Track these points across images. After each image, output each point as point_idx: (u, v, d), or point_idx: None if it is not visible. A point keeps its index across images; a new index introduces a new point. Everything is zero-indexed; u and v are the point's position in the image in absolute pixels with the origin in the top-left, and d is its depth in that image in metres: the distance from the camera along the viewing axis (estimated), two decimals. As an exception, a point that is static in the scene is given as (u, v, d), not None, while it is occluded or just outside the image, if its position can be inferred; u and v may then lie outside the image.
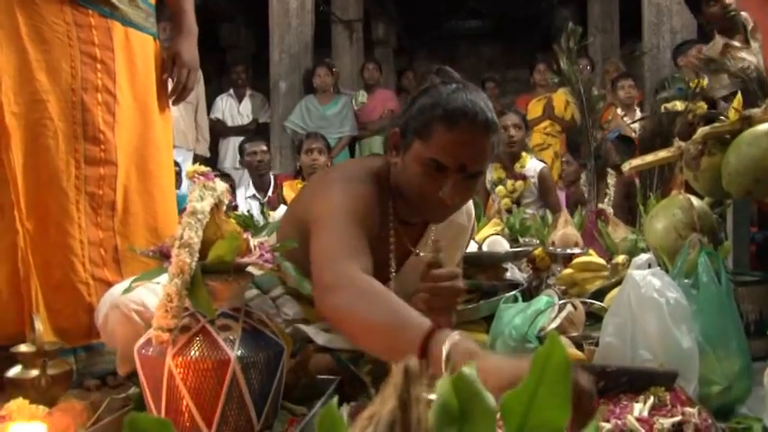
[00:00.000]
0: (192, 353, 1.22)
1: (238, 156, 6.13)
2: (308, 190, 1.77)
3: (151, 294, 1.49)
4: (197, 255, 1.22)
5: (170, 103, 2.21)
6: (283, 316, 1.81)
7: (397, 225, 1.70)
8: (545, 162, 5.06)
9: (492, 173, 4.81)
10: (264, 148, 5.85)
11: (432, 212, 1.63)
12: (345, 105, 6.96)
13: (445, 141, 1.49)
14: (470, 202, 1.91)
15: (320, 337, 1.69)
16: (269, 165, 5.96)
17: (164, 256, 1.28)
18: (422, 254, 1.72)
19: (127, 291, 1.39)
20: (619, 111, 5.79)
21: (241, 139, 6.37)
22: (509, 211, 4.41)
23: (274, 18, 7.44)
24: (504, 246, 2.52)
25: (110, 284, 1.77)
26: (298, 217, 1.66)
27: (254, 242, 1.34)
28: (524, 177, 4.65)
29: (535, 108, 6.58)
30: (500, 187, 4.70)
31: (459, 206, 1.64)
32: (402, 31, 10.48)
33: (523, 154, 4.74)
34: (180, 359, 1.21)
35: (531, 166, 4.71)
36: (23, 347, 1.57)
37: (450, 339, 1.09)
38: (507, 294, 2.10)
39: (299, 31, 7.41)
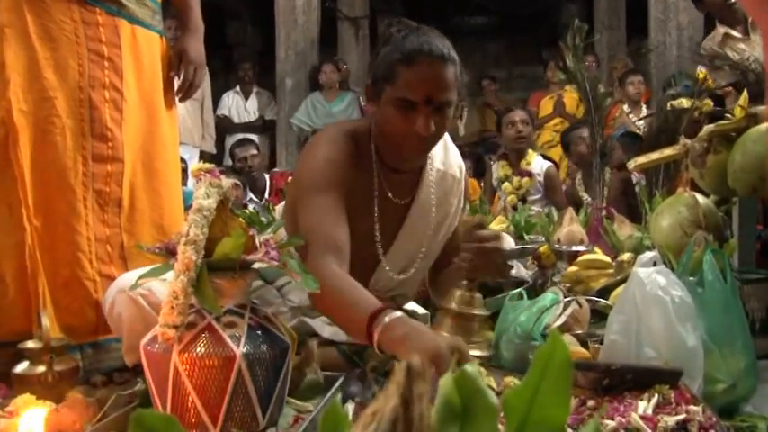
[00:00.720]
0: (198, 349, 1.22)
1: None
2: (300, 157, 1.87)
3: (157, 279, 1.51)
4: (203, 252, 1.23)
5: (177, 100, 2.21)
6: (289, 303, 1.83)
7: (385, 175, 1.78)
8: (553, 160, 5.05)
9: (498, 170, 4.81)
10: (254, 152, 5.87)
11: (412, 148, 1.70)
12: (351, 102, 6.97)
13: (408, 79, 1.61)
14: (461, 158, 1.99)
15: (325, 331, 1.70)
16: (261, 167, 5.96)
17: (170, 253, 1.29)
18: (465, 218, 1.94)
19: (134, 287, 1.40)
20: (625, 107, 5.78)
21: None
22: (514, 207, 4.41)
23: (281, 15, 7.45)
24: (509, 243, 2.51)
25: (116, 281, 1.78)
26: (293, 192, 1.81)
27: (259, 239, 1.35)
28: (530, 174, 4.64)
29: (546, 105, 6.59)
30: (506, 184, 4.69)
31: (435, 139, 1.72)
32: (408, 27, 10.44)
33: (529, 151, 4.74)
34: (186, 356, 1.22)
35: (537, 163, 4.70)
36: (31, 344, 1.58)
37: (389, 317, 1.30)
38: (512, 291, 2.11)
39: (306, 29, 7.42)
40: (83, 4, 1.89)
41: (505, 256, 2.43)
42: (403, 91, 1.61)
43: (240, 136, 6.61)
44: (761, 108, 2.02)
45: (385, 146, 1.74)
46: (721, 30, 3.86)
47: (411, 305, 1.99)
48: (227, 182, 1.34)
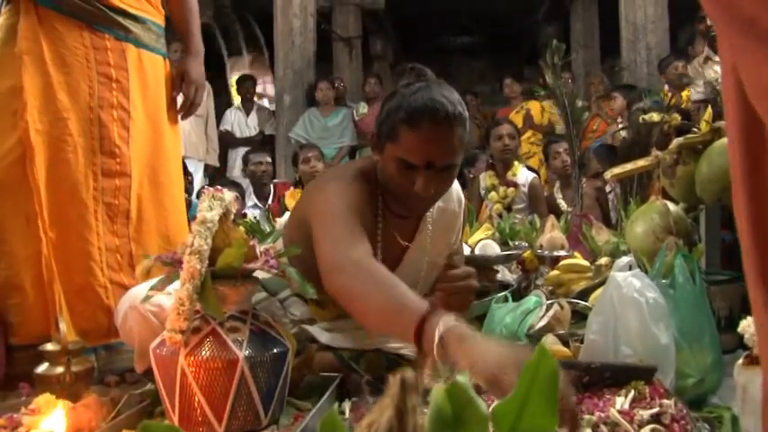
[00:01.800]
0: (204, 353, 1.21)
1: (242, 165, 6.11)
2: (307, 193, 1.77)
3: (166, 296, 1.49)
4: (207, 261, 1.22)
5: (180, 117, 2.22)
6: (290, 316, 1.81)
7: (389, 218, 1.68)
8: (536, 171, 5.05)
9: (486, 180, 4.80)
10: (269, 159, 5.84)
11: (413, 205, 1.61)
12: (345, 117, 6.97)
13: (410, 142, 1.47)
14: (460, 189, 1.88)
15: (323, 337, 1.69)
16: (271, 175, 5.96)
17: (176, 262, 1.28)
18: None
19: (145, 299, 1.39)
20: (618, 119, 5.79)
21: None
22: (500, 216, 4.40)
23: (279, 36, 7.44)
24: (495, 249, 2.51)
25: (126, 288, 1.77)
26: (300, 218, 1.66)
27: (260, 249, 1.34)
28: (516, 185, 4.63)
29: (515, 119, 6.57)
30: (492, 193, 4.68)
31: (437, 197, 1.61)
32: (398, 46, 10.48)
33: (516, 163, 4.74)
34: (192, 359, 1.21)
35: (523, 174, 4.69)
36: (49, 346, 1.58)
37: (444, 323, 1.08)
38: (498, 295, 2.10)
39: (303, 48, 7.41)
40: (93, 31, 1.90)
41: (491, 262, 2.44)
42: (404, 152, 1.49)
43: (244, 149, 6.59)
44: (724, 123, 2.04)
45: (389, 195, 1.63)
46: (705, 53, 3.93)
47: None
48: (229, 195, 1.33)
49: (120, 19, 1.95)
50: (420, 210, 1.68)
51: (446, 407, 0.40)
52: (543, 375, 0.42)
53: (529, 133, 6.41)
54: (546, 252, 2.70)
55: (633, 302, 1.45)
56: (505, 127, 4.68)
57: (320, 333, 1.69)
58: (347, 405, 1.35)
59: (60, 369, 1.54)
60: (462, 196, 1.89)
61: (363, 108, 6.98)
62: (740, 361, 1.24)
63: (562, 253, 2.67)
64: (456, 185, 1.86)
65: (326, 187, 1.60)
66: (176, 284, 1.24)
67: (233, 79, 7.96)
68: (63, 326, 1.59)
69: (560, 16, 9.11)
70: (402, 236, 1.74)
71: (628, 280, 1.48)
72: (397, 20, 9.80)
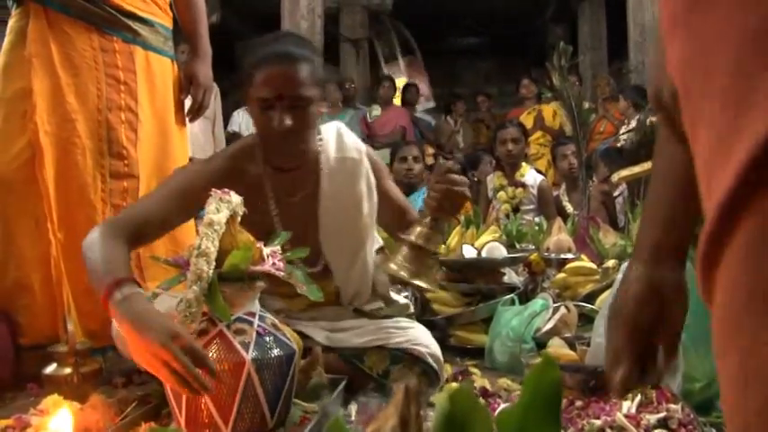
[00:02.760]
0: (210, 355, 1.22)
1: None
2: None
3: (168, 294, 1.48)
4: (214, 263, 1.22)
5: (187, 120, 2.22)
6: (274, 306, 1.79)
7: (275, 175, 1.72)
8: (543, 173, 5.04)
9: (494, 180, 4.80)
10: None
11: (277, 146, 1.66)
12: (353, 118, 6.97)
13: (260, 80, 1.61)
14: (360, 143, 1.87)
15: (321, 337, 1.68)
16: None
17: (183, 264, 1.29)
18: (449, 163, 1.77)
19: (153, 297, 1.39)
20: (633, 122, 5.76)
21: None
22: (507, 216, 4.40)
23: (287, 38, 7.46)
24: (501, 251, 2.50)
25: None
26: None
27: (266, 251, 1.34)
28: (524, 185, 4.63)
29: (527, 120, 6.56)
30: (501, 193, 4.68)
31: (301, 133, 1.65)
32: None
33: (523, 164, 4.73)
34: (199, 361, 1.21)
35: (531, 176, 4.69)
36: (58, 347, 1.59)
37: (129, 290, 1.28)
38: (505, 297, 2.10)
39: (310, 50, 7.43)
40: (101, 33, 1.91)
41: (498, 265, 2.44)
42: (257, 91, 1.61)
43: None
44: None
45: (266, 148, 1.70)
46: None
47: (392, 295, 1.93)
48: (236, 197, 1.34)
49: (129, 21, 1.95)
50: (293, 153, 1.69)
51: (451, 413, 0.40)
52: (546, 383, 0.42)
53: (538, 134, 6.40)
54: (553, 255, 2.70)
55: (640, 306, 1.44)
56: (509, 131, 4.66)
57: (319, 333, 1.69)
58: (353, 407, 1.36)
59: (68, 370, 1.55)
60: (362, 147, 1.86)
61: (376, 110, 7.00)
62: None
63: (569, 256, 2.67)
64: (352, 139, 1.85)
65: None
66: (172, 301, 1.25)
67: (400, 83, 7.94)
68: (71, 327, 1.60)
69: (567, 18, 9.10)
70: (299, 191, 1.75)
71: (635, 283, 1.48)
72: (404, 21, 9.81)
